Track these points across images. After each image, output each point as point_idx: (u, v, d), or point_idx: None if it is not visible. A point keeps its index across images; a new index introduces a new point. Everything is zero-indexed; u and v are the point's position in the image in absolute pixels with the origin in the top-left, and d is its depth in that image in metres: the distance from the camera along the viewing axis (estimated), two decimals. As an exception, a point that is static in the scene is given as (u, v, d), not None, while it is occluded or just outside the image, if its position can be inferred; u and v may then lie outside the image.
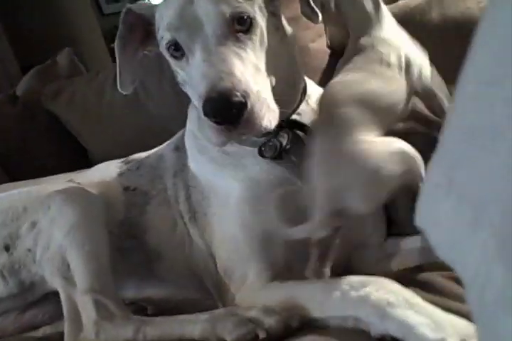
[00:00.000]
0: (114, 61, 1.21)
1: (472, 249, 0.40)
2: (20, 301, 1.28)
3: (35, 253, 1.22)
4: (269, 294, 1.09)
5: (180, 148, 1.36)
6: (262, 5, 1.07)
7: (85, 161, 2.09)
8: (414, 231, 1.20)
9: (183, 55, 1.05)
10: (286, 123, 1.16)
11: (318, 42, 1.67)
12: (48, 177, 1.64)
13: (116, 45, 1.20)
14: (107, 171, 1.52)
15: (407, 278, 1.06)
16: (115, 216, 1.38)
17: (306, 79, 1.28)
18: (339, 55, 1.55)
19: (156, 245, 1.36)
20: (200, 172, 1.27)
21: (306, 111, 1.21)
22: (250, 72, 0.98)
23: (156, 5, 1.14)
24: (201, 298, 1.31)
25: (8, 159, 2.14)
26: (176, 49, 1.06)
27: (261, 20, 1.05)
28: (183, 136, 1.36)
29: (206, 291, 1.30)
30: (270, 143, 1.16)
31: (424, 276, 1.07)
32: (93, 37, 4.37)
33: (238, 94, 0.92)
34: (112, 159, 1.61)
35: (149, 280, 1.38)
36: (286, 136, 1.16)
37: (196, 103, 1.04)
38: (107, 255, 1.22)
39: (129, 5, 1.18)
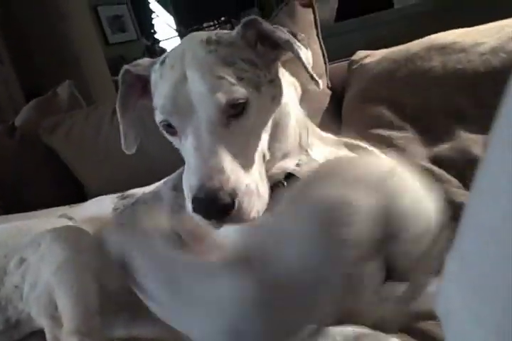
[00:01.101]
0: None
1: None
2: (6, 339, 1.25)
3: (23, 290, 1.20)
4: None
5: (178, 188, 1.34)
6: (259, 78, 1.04)
7: (82, 195, 2.08)
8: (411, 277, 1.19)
9: (175, 132, 1.05)
10: (283, 176, 1.16)
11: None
12: (41, 211, 1.62)
13: (117, 105, 1.21)
14: (102, 206, 1.51)
15: (406, 327, 1.04)
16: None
17: (309, 124, 1.25)
18: (340, 96, 1.56)
19: None
20: None
21: (306, 162, 1.19)
22: (241, 161, 0.98)
23: (150, 66, 1.14)
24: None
25: (3, 191, 2.12)
26: (169, 126, 1.05)
27: (255, 101, 1.02)
28: (181, 174, 1.34)
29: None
30: None
31: (424, 325, 1.05)
32: (98, 65, 4.39)
33: (226, 194, 0.92)
34: (108, 194, 1.60)
35: (139, 318, 1.35)
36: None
37: (186, 188, 1.02)
38: (96, 295, 1.19)
39: (126, 66, 1.18)
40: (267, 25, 1.05)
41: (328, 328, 0.99)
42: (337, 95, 1.64)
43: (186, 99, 0.99)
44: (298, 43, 1.04)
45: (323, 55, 1.68)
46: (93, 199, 1.62)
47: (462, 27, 1.45)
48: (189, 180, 0.97)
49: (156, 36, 6.63)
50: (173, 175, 1.43)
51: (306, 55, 1.05)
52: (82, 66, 4.08)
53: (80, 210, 1.54)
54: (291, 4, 1.71)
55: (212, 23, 5.92)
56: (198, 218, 0.97)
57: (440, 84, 1.33)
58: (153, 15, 6.67)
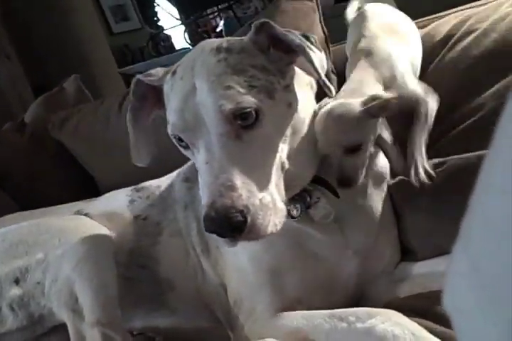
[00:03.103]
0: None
1: None
2: (30, 333, 1.28)
3: (44, 286, 1.22)
4: (276, 325, 1.09)
5: (190, 179, 1.36)
6: (272, 85, 0.99)
7: (93, 189, 2.10)
8: (425, 256, 1.21)
9: (188, 146, 1.01)
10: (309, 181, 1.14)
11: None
12: (56, 207, 1.65)
13: (128, 118, 1.17)
14: (117, 199, 1.53)
15: (417, 308, 1.05)
16: (124, 245, 1.39)
17: None
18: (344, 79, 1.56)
19: (169, 276, 1.36)
20: None
21: None
22: (255, 175, 0.94)
23: (164, 76, 1.09)
24: (211, 328, 1.31)
25: (16, 187, 2.15)
26: (181, 140, 1.01)
27: (269, 109, 0.97)
28: (193, 166, 1.34)
29: (216, 320, 1.30)
30: (296, 205, 1.12)
31: (434, 306, 1.05)
32: (104, 56, 4.39)
33: (238, 211, 0.88)
34: (119, 187, 1.62)
35: (159, 310, 1.37)
36: (306, 195, 1.14)
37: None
38: (115, 287, 1.22)
39: (137, 76, 1.14)
40: (278, 29, 1.01)
41: (342, 310, 1.02)
42: (342, 78, 1.63)
43: (195, 112, 0.96)
44: (311, 46, 1.00)
45: (326, 39, 1.66)
46: (107, 194, 1.63)
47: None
48: (201, 191, 0.95)
49: (159, 24, 6.56)
50: (185, 168, 1.42)
51: (319, 58, 1.01)
52: (88, 57, 4.09)
53: (95, 205, 1.56)
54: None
55: (216, 9, 5.85)
56: (212, 236, 0.94)
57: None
58: (154, 4, 6.60)
